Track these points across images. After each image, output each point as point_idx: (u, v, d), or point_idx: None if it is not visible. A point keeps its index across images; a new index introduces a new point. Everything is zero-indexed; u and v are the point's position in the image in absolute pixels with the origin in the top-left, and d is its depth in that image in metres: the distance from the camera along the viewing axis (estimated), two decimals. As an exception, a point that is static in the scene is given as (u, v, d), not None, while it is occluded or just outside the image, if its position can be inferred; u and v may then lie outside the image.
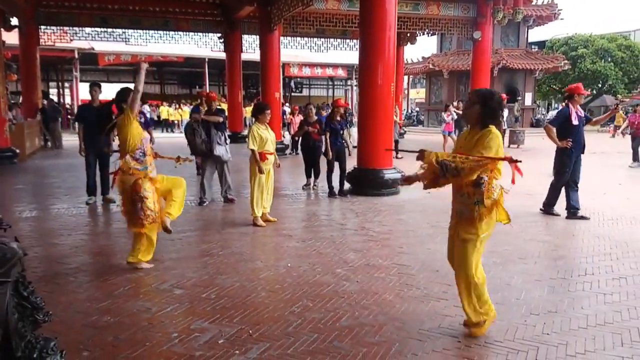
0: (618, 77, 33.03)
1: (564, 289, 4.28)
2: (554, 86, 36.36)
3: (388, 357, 3.14)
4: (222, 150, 7.71)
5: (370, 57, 8.40)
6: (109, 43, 20.64)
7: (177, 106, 28.53)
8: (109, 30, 18.33)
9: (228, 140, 7.89)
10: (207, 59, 28.62)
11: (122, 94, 4.97)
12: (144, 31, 18.57)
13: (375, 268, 4.80)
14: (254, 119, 6.72)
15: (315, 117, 9.07)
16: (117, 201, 7.94)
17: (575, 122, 6.68)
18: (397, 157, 13.29)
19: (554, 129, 6.90)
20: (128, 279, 4.57)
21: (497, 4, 17.02)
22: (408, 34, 20.00)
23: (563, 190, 7.01)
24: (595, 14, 75.21)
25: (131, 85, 4.98)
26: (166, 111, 28.27)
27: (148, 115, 16.34)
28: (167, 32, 18.89)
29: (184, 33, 19.29)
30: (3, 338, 2.17)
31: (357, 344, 3.31)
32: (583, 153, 6.95)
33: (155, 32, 18.65)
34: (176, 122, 27.83)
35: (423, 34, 19.74)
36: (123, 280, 4.54)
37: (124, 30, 18.39)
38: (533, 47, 32.52)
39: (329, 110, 9.76)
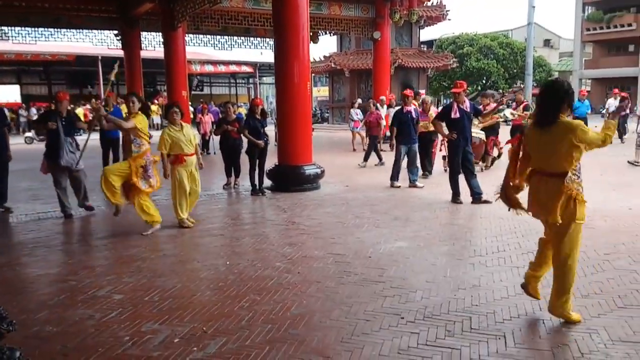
0: (500, 73, 36.11)
1: (483, 265, 4.77)
2: (443, 83, 38.87)
3: (342, 339, 3.35)
4: (71, 159, 6.97)
5: (286, 57, 8.58)
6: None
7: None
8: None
9: (80, 147, 7.09)
10: (100, 57, 27.20)
11: None
12: (33, 29, 17.23)
13: (312, 259, 5.01)
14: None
15: (234, 116, 9.09)
16: (14, 210, 7.49)
17: (455, 115, 7.39)
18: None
19: (440, 123, 7.70)
20: (60, 288, 4.39)
21: (394, 5, 17.95)
22: (311, 34, 20.40)
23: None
24: (479, 14, 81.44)
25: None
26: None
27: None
28: (59, 30, 17.66)
29: (77, 30, 18.16)
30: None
31: (311, 330, 3.49)
32: (469, 144, 7.64)
33: (45, 29, 17.38)
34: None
35: (325, 33, 20.25)
36: (55, 290, 4.35)
37: (10, 27, 16.92)
38: (423, 46, 34.53)
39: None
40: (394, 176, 8.99)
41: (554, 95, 3.37)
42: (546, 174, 3.43)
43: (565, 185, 3.32)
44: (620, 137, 15.24)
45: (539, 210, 3.54)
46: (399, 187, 8.84)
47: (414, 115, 8.86)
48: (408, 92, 9.13)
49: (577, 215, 3.36)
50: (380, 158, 11.90)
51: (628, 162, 11.04)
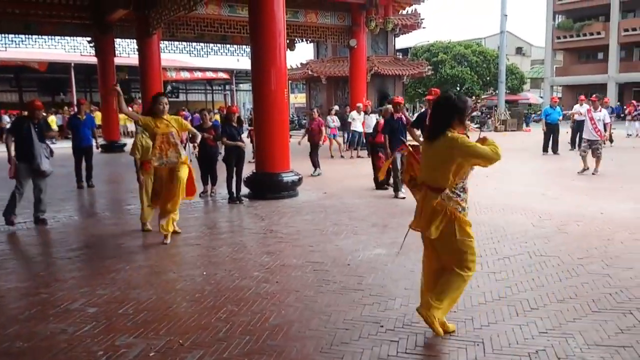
0: (474, 80, 36.71)
1: (461, 272, 4.79)
2: (419, 90, 39.30)
3: (321, 349, 3.32)
4: (47, 164, 6.99)
5: (262, 64, 8.54)
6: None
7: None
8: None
9: (52, 153, 7.19)
10: (73, 64, 26.76)
11: None
12: (3, 35, 16.85)
13: (291, 268, 4.98)
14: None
15: (210, 124, 9.01)
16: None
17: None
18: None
19: (414, 130, 7.72)
20: (31, 301, 4.26)
21: (370, 13, 18.08)
22: (288, 41, 20.43)
23: None
24: (453, 22, 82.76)
25: None
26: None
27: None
28: (30, 36, 17.32)
29: (49, 37, 17.83)
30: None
31: (289, 340, 3.45)
32: None
33: (16, 35, 17.02)
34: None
35: (302, 40, 20.29)
36: (25, 303, 4.22)
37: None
38: (399, 53, 34.89)
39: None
40: (397, 186, 8.57)
41: (443, 110, 3.35)
42: (429, 187, 3.38)
43: (438, 201, 3.27)
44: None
45: (418, 224, 3.46)
46: (404, 197, 8.37)
47: (404, 123, 8.62)
48: (400, 99, 8.91)
49: (458, 235, 3.31)
50: (315, 167, 11.67)
51: (577, 173, 10.80)
